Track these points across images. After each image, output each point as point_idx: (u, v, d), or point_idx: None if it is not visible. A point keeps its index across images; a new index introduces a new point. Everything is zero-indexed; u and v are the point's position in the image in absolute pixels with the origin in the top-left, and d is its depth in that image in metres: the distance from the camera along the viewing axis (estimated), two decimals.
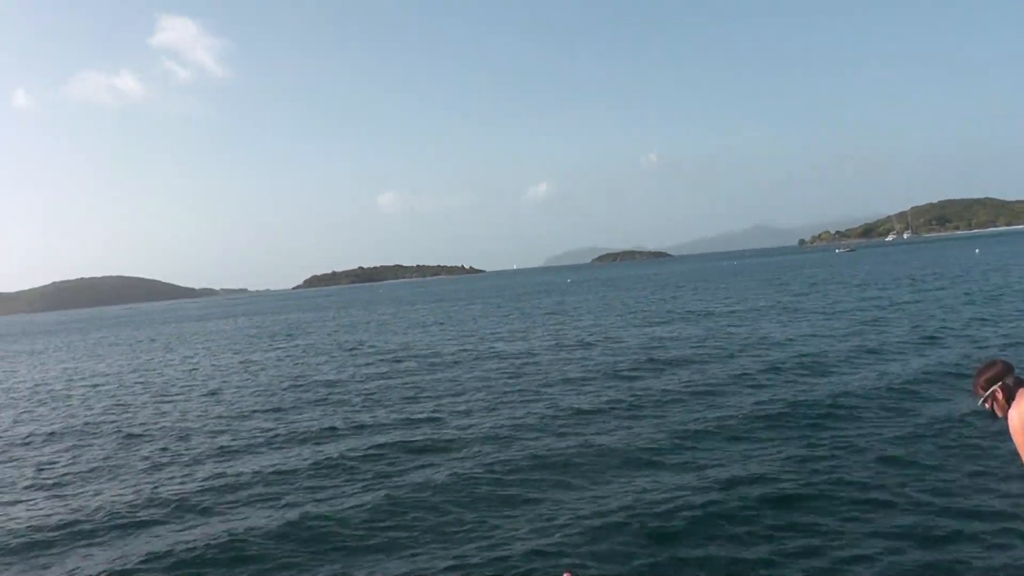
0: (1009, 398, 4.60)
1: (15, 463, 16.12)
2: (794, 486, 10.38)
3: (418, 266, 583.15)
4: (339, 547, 9.53)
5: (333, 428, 16.78)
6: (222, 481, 13.05)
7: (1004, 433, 4.77)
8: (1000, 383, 4.64)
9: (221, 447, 15.82)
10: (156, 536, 10.51)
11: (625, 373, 21.33)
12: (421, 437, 15.11)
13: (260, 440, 16.19)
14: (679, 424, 14.53)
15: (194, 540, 10.09)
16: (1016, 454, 4.74)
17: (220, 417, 19.52)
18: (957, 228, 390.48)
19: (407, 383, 22.78)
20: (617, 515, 9.77)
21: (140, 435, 17.97)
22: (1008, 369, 4.71)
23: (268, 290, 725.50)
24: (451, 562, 8.75)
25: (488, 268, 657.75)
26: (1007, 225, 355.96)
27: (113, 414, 21.61)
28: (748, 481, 10.68)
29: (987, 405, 4.69)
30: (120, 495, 12.67)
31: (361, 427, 16.70)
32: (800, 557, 8.21)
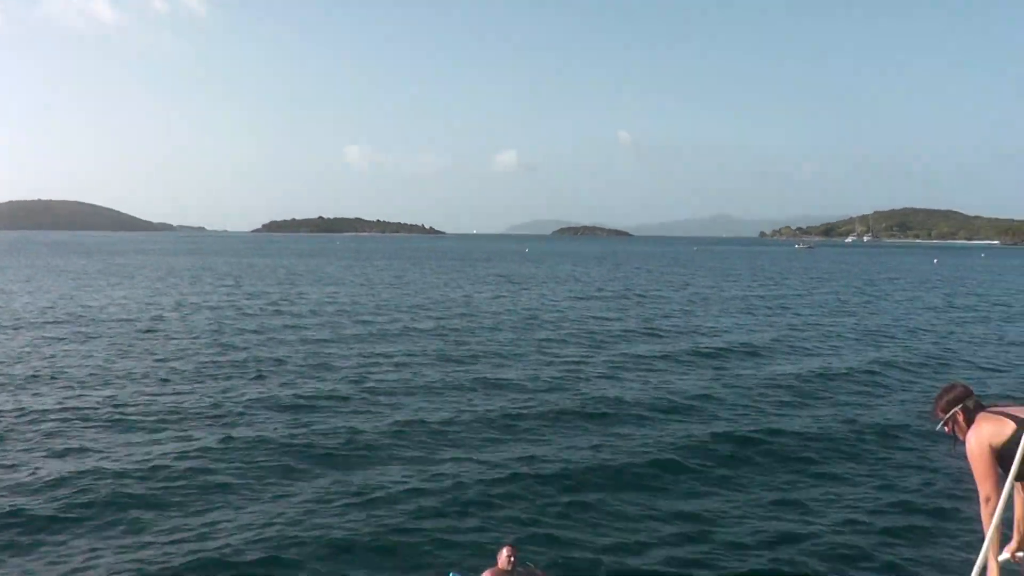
0: (969, 421, 4.52)
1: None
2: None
3: (378, 221, 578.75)
4: None
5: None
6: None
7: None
8: (960, 406, 4.56)
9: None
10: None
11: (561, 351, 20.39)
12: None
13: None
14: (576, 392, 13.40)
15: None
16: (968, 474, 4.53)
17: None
18: (917, 236, 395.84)
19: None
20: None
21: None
22: (968, 392, 4.62)
23: (226, 231, 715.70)
24: None
25: (449, 230, 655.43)
26: (967, 239, 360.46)
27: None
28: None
29: (947, 429, 4.64)
30: None
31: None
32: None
